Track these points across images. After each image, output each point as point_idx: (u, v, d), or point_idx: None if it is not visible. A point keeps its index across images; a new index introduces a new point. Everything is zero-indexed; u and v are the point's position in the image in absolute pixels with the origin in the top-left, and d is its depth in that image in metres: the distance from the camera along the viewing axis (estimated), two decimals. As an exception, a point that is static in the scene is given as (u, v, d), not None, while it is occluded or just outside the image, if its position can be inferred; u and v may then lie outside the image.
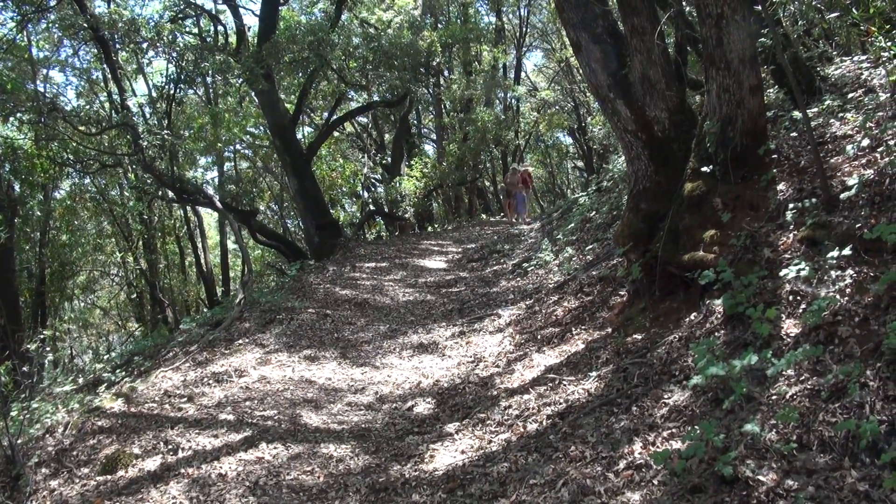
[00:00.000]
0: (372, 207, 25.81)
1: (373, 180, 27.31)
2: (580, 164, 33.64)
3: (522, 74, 32.44)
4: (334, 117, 22.49)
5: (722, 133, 6.33)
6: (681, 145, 6.98)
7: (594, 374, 6.30)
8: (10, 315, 14.18)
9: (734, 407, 4.34)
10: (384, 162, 27.74)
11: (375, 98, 22.97)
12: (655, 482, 4.13)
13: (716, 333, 5.36)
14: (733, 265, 5.57)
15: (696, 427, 4.21)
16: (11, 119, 17.63)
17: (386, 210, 25.15)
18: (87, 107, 19.91)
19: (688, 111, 7.26)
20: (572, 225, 13.54)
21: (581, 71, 8.48)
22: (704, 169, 6.41)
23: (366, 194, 26.54)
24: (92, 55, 21.45)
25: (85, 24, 15.56)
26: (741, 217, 6.04)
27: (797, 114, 6.58)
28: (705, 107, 6.66)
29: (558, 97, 29.51)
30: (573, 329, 8.03)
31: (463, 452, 5.61)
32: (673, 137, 7.02)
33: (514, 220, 22.68)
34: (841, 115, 6.63)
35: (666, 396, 5.11)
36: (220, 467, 5.76)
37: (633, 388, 5.54)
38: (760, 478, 3.67)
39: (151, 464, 6.02)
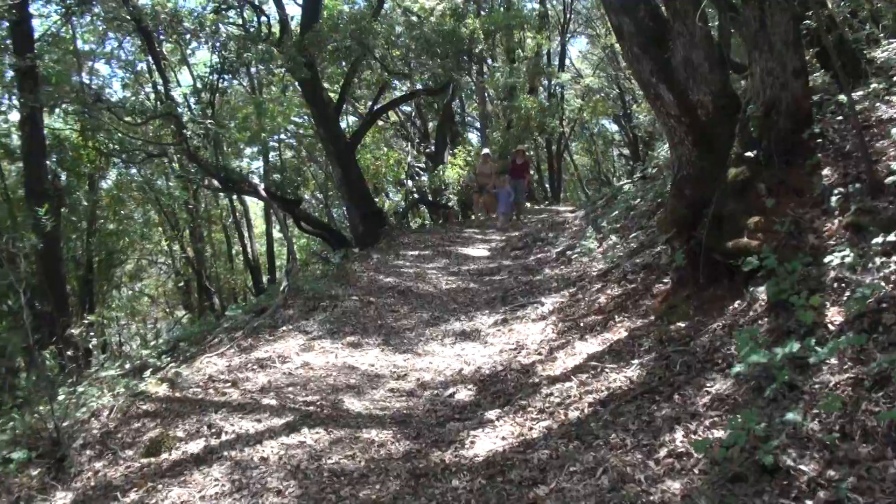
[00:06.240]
0: (416, 196, 25.84)
1: (416, 169, 27.33)
2: (625, 151, 33.38)
3: (567, 61, 32.23)
4: (377, 106, 22.52)
5: (766, 117, 6.24)
6: (724, 130, 6.88)
7: (636, 362, 6.26)
8: (57, 302, 14.43)
9: (776, 395, 4.30)
10: (428, 150, 27.74)
11: (418, 86, 22.96)
12: (696, 471, 4.10)
13: (759, 321, 5.30)
14: (777, 252, 5.50)
15: (737, 416, 4.17)
16: (57, 111, 17.90)
17: (429, 198, 25.16)
18: (133, 98, 20.17)
19: (731, 95, 7.14)
20: (616, 212, 13.43)
21: (624, 57, 8.39)
22: (748, 154, 6.33)
23: (409, 183, 26.58)
24: (136, 47, 21.71)
25: (128, 17, 15.75)
26: (785, 203, 5.96)
27: (842, 97, 6.46)
28: (749, 90, 6.57)
29: (603, 84, 29.26)
30: (616, 317, 7.98)
31: (503, 439, 5.61)
32: (716, 122, 6.92)
33: (481, 217, 20.75)
34: (887, 98, 6.50)
35: (708, 385, 5.07)
36: (263, 451, 5.81)
37: (675, 377, 5.50)
38: (802, 467, 3.63)
39: (195, 447, 6.09)
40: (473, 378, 7.58)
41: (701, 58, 6.80)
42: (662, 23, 7.08)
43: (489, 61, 28.62)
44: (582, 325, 8.30)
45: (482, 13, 24.44)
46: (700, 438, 4.34)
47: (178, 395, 7.47)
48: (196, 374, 8.12)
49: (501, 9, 25.98)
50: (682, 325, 6.45)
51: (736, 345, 5.03)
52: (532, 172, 31.73)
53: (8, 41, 16.57)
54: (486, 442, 5.61)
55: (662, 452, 4.42)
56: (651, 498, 3.98)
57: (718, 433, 4.36)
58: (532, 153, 31.85)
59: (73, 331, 8.21)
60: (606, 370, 6.35)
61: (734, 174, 6.45)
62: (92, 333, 8.91)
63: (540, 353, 7.84)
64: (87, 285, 23.22)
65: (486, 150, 21.97)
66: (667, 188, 9.33)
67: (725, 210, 6.42)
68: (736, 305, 5.93)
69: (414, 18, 19.88)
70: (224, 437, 6.24)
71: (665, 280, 8.04)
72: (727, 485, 3.81)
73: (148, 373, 8.57)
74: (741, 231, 6.17)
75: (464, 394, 7.09)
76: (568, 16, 30.57)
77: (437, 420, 6.42)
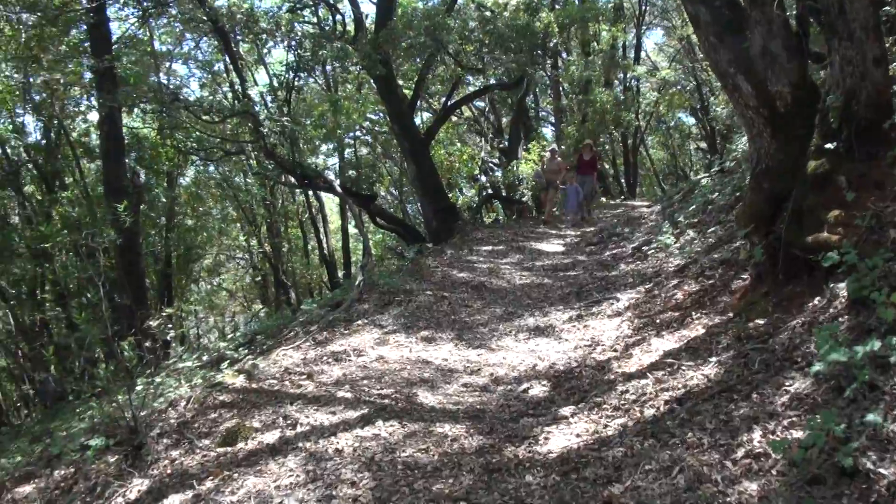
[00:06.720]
0: (489, 191, 25.83)
1: (490, 164, 27.31)
2: (703, 144, 32.86)
3: (642, 54, 31.83)
4: (451, 102, 22.58)
5: (845, 107, 6.06)
6: (803, 121, 6.70)
7: (714, 359, 6.16)
8: (135, 295, 14.86)
9: (856, 396, 4.18)
10: (501, 146, 27.70)
11: (492, 81, 22.94)
12: (774, 472, 4.02)
13: (839, 318, 5.16)
14: (858, 247, 5.35)
15: (816, 416, 4.07)
16: (135, 110, 18.43)
17: (503, 194, 25.12)
18: (210, 97, 20.65)
19: (810, 85, 6.95)
20: (694, 207, 13.25)
21: (700, 47, 8.25)
22: (828, 146, 6.16)
23: (483, 178, 26.58)
24: (213, 47, 22.18)
25: (204, 17, 16.09)
26: (866, 196, 5.79)
27: (924, 86, 6.26)
28: (828, 80, 6.40)
29: (679, 76, 28.83)
30: (693, 313, 7.87)
31: (578, 436, 5.57)
32: (795, 113, 6.73)
33: (550, 218, 19.87)
34: (974, 86, 6.28)
35: (787, 384, 4.96)
36: (337, 443, 5.88)
37: (753, 375, 5.39)
38: (882, 471, 3.53)
39: (270, 437, 6.20)
40: (547, 374, 7.56)
41: (779, 47, 6.63)
42: (740, 11, 6.92)
43: (564, 55, 28.47)
44: (658, 321, 8.21)
45: (556, 6, 24.28)
46: (778, 439, 4.25)
47: (254, 386, 7.62)
48: (272, 367, 8.27)
49: (576, 1, 25.75)
50: (760, 322, 6.32)
51: (815, 343, 4.91)
52: (607, 167, 31.43)
53: (86, 44, 17.14)
54: (560, 438, 5.58)
55: (740, 452, 4.34)
56: (728, 499, 3.92)
57: (797, 433, 4.26)
58: (607, 147, 31.53)
59: (151, 323, 8.43)
60: (683, 367, 6.26)
61: (814, 167, 6.30)
62: (170, 326, 9.16)
63: (615, 350, 7.78)
64: (165, 279, 23.89)
65: (552, 146, 21.72)
66: (745, 182, 9.16)
67: (805, 204, 6.27)
68: (816, 302, 5.80)
69: (487, 13, 19.85)
70: (299, 429, 6.33)
71: (743, 276, 7.89)
72: (805, 487, 3.73)
73: (225, 364, 8.77)
74: (821, 225, 6.02)
75: (538, 389, 7.08)
76: (643, 7, 30.18)
77: (511, 415, 6.42)
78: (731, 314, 7.12)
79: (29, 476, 6.74)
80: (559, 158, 20.45)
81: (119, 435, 6.47)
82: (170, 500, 5.38)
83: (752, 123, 6.99)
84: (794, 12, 7.87)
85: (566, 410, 6.20)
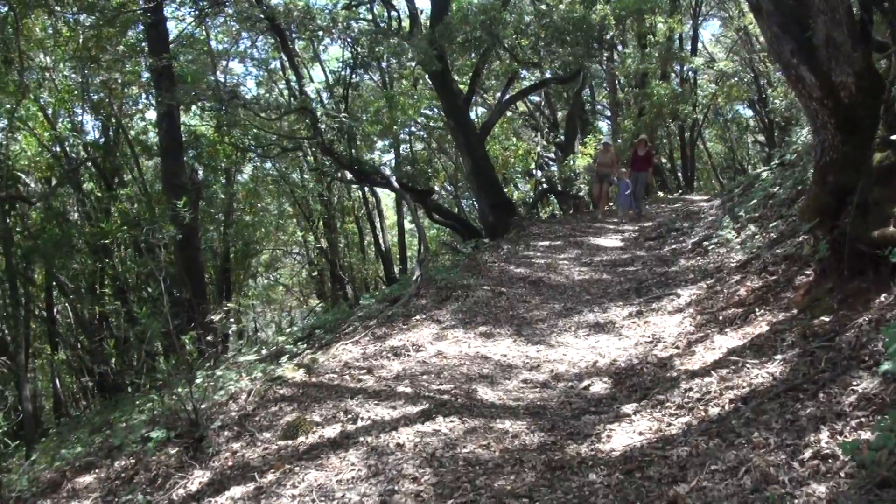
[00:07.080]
0: (545, 186, 25.72)
1: (546, 159, 27.20)
2: (761, 137, 32.34)
3: (699, 45, 31.40)
4: (507, 96, 22.52)
5: (910, 97, 5.92)
6: (868, 112, 6.55)
7: (779, 357, 6.05)
8: (195, 290, 15.08)
9: (927, 395, 4.09)
10: (557, 140, 27.56)
11: (548, 75, 22.81)
12: (842, 474, 3.93)
13: (907, 316, 5.06)
14: (924, 242, 5.22)
15: (885, 416, 3.98)
16: (193, 108, 18.70)
17: (559, 188, 25.00)
18: (267, 94, 20.87)
19: (874, 75, 6.80)
20: (755, 201, 13.03)
21: (761, 37, 8.11)
22: (894, 137, 6.01)
23: (539, 173, 26.49)
24: (269, 45, 22.40)
25: (261, 16, 16.26)
26: (933, 189, 5.65)
27: None
28: (892, 69, 6.25)
29: (737, 68, 28.39)
30: (756, 310, 7.74)
31: (641, 434, 5.52)
32: (860, 104, 6.58)
33: (604, 212, 19.70)
34: None
35: (854, 383, 4.85)
36: (398, 438, 5.91)
37: (820, 374, 5.28)
38: (952, 474, 3.44)
39: (331, 431, 6.26)
40: (608, 371, 7.50)
41: (843, 35, 6.48)
42: (802, 0, 6.80)
43: (620, 47, 28.19)
44: (721, 317, 8.10)
45: (612, -1, 24.09)
46: (846, 440, 4.17)
47: (314, 380, 7.70)
48: (332, 361, 8.34)
49: (631, -7, 25.50)
50: (826, 319, 6.20)
51: (883, 341, 4.80)
52: (664, 160, 31.05)
53: (144, 43, 17.47)
54: (622, 436, 5.54)
55: (807, 453, 4.26)
56: (795, 501, 3.84)
57: (865, 434, 4.17)
58: (665, 141, 31.16)
59: (213, 317, 8.58)
60: (747, 365, 6.16)
61: (879, 159, 6.14)
62: (231, 320, 9.31)
63: (677, 347, 7.70)
64: (224, 274, 24.22)
65: (606, 140, 21.65)
66: (807, 175, 9.00)
67: (870, 197, 6.12)
68: (882, 299, 5.67)
69: (543, 6, 19.76)
70: (360, 423, 6.38)
71: (807, 272, 7.75)
72: (874, 490, 3.64)
73: (285, 358, 8.88)
74: (887, 219, 5.88)
75: (599, 386, 7.03)
76: (700, -3, 29.76)
77: (572, 412, 6.38)
78: (795, 311, 6.99)
79: (89, 466, 6.90)
80: (612, 152, 20.05)
81: (180, 427, 6.59)
82: (231, 492, 5.45)
83: (815, 115, 6.86)
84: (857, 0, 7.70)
85: (628, 408, 6.15)
